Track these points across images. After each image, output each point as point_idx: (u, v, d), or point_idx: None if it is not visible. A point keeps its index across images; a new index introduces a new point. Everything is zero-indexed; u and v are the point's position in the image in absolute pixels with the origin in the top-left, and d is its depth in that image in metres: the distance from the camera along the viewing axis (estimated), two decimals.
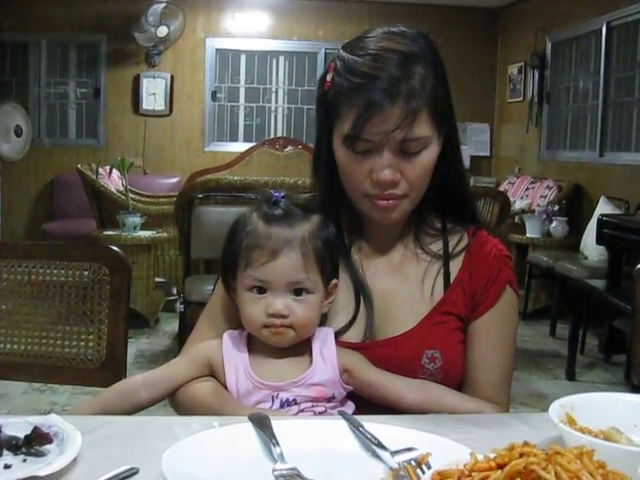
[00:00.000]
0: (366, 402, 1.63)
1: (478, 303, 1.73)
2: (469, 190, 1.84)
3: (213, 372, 1.66)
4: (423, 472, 1.14)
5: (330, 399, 1.60)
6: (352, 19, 10.31)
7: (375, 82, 1.55)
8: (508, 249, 1.82)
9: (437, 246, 1.78)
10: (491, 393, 1.70)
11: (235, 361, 1.63)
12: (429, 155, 1.62)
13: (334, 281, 1.67)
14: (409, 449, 1.21)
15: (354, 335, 1.70)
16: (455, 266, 1.76)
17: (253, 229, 1.63)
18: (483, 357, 1.72)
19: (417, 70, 1.58)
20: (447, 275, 1.76)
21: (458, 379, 1.73)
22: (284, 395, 1.57)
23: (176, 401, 1.67)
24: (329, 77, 1.64)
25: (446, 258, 1.77)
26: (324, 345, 1.64)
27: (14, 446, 1.24)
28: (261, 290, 1.61)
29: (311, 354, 1.63)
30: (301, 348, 1.64)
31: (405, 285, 1.75)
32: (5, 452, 1.24)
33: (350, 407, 1.62)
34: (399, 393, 1.60)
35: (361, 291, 1.73)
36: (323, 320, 1.70)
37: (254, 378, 1.59)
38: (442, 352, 1.68)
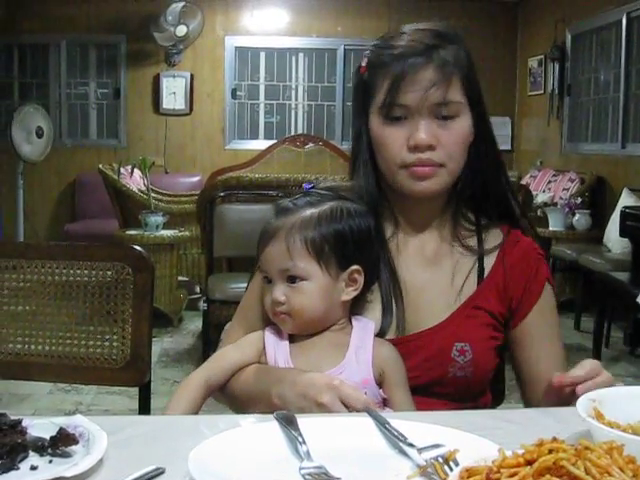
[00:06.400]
0: None
1: (522, 302, 1.75)
2: (504, 183, 1.82)
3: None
4: (451, 469, 1.13)
5: None
6: (371, 15, 10.29)
7: (410, 50, 1.61)
8: (540, 246, 1.84)
9: (472, 241, 1.79)
10: None
11: (275, 350, 1.64)
12: (463, 122, 1.66)
13: (353, 267, 1.64)
14: (436, 446, 1.20)
15: (386, 328, 1.69)
16: (488, 262, 1.77)
17: (265, 224, 1.69)
18: (541, 354, 1.74)
19: (450, 45, 1.65)
20: (481, 270, 1.76)
21: (488, 374, 1.73)
22: None
23: (230, 389, 1.68)
24: (364, 62, 1.70)
25: (480, 254, 1.77)
26: (362, 344, 1.63)
27: (40, 447, 1.25)
28: (269, 280, 1.66)
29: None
30: (341, 340, 1.64)
31: (437, 278, 1.76)
32: (31, 453, 1.24)
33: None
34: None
35: (394, 285, 1.72)
36: (359, 310, 1.70)
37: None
38: (472, 345, 1.68)
